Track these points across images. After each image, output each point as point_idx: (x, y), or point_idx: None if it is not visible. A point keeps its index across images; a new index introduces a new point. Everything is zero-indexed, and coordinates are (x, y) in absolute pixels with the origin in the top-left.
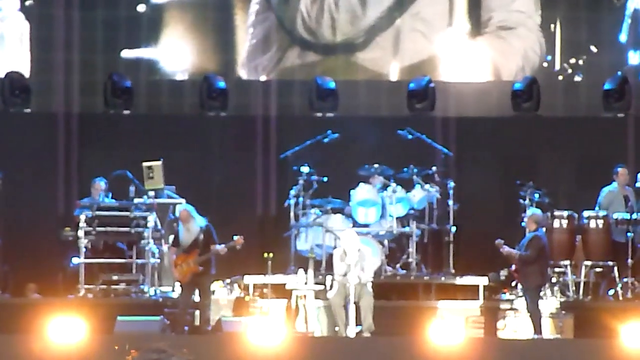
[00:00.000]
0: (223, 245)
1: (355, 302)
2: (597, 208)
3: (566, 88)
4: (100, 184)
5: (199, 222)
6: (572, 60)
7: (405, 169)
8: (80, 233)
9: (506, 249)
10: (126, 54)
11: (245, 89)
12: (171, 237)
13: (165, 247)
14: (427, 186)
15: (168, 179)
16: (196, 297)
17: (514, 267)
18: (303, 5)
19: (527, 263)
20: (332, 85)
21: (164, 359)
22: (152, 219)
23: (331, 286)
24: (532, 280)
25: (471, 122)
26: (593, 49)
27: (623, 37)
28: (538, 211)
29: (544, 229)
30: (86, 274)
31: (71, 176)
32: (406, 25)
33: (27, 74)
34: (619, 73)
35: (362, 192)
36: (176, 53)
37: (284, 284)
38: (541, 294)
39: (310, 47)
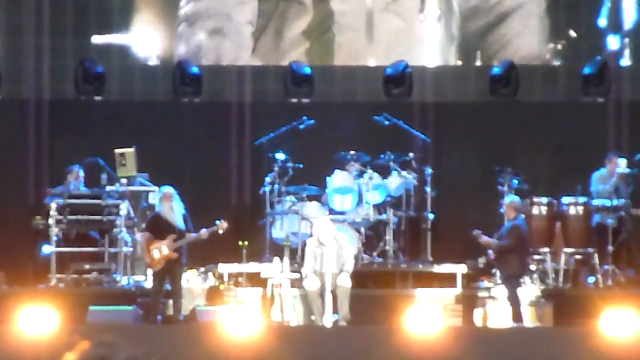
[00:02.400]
0: (206, 230)
1: (331, 291)
2: (594, 194)
3: (545, 73)
4: (79, 171)
5: (181, 207)
6: (551, 45)
7: (382, 156)
8: (51, 221)
9: (484, 239)
10: (97, 39)
11: (219, 74)
12: (143, 224)
13: (138, 236)
14: (404, 173)
15: (141, 166)
16: (167, 286)
17: (492, 254)
18: None
19: (506, 252)
20: (308, 71)
21: (112, 355)
22: (124, 207)
23: (307, 275)
24: (511, 269)
25: (449, 108)
26: (572, 33)
27: (602, 22)
28: (516, 198)
29: (523, 216)
30: (57, 263)
31: (42, 164)
32: (378, 6)
33: None
34: (599, 57)
35: (338, 179)
36: (147, 38)
37: (259, 273)
38: (521, 282)
39: None
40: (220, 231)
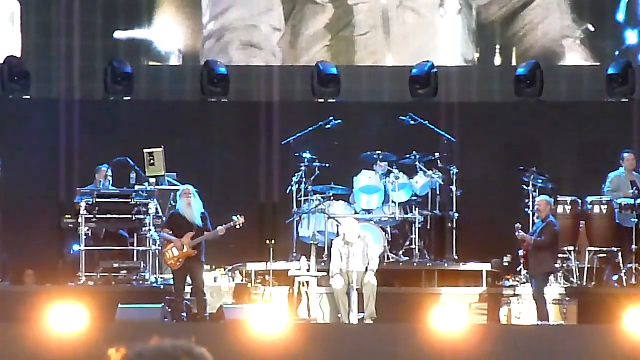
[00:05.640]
0: (222, 226)
1: (357, 289)
2: (604, 194)
3: (570, 73)
4: (107, 171)
5: (200, 205)
6: (569, 40)
7: (408, 155)
8: (81, 220)
9: (522, 234)
10: (119, 35)
11: (247, 74)
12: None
13: (163, 233)
14: (430, 172)
15: (169, 166)
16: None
17: (522, 252)
18: None
19: (540, 249)
20: (334, 70)
21: (160, 342)
22: (153, 206)
23: (334, 273)
24: (544, 266)
25: (474, 108)
26: (590, 27)
27: (620, 16)
28: (548, 197)
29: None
30: (87, 262)
31: (72, 163)
32: (394, 2)
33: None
34: (617, 52)
35: (364, 179)
36: (172, 35)
37: (286, 271)
38: (549, 280)
39: None
40: (237, 226)
